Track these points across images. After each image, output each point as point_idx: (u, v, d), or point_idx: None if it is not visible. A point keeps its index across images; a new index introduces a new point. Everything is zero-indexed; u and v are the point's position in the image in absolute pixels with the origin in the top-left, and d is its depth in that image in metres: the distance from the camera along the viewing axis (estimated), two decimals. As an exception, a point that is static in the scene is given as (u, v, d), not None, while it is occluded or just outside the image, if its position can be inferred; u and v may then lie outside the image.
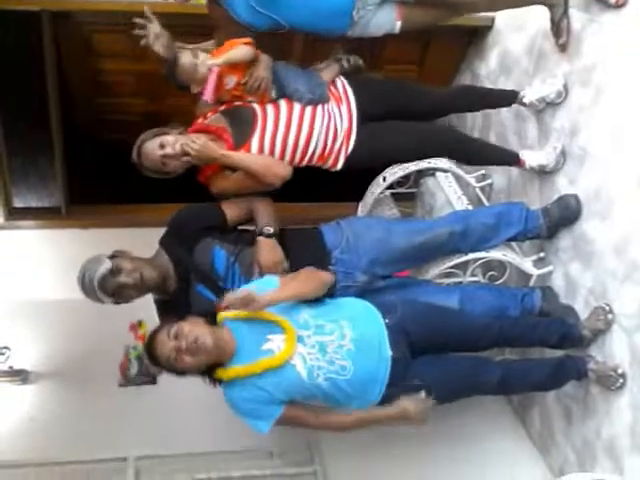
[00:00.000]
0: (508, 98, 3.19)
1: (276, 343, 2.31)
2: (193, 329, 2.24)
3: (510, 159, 3.18)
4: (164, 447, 2.95)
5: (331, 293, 2.57)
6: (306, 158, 2.85)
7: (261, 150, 2.75)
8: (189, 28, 3.21)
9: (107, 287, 2.37)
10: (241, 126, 2.74)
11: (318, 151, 2.85)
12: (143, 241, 2.64)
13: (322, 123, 2.82)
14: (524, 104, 3.12)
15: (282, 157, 2.80)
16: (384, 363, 2.39)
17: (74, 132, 3.90)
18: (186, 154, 2.57)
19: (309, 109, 2.81)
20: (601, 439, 2.73)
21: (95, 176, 3.98)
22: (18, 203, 3.93)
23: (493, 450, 3.14)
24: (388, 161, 3.31)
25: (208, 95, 2.67)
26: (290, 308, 2.38)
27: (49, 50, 3.49)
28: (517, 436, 3.29)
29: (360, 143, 2.89)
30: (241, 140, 2.73)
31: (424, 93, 3.11)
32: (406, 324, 2.50)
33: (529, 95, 3.08)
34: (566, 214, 2.88)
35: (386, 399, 2.41)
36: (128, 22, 2.77)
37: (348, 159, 2.90)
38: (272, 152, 2.77)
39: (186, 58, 2.69)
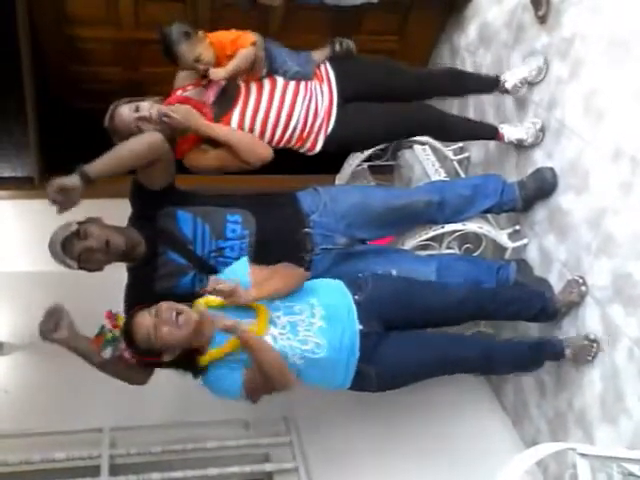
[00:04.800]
0: (491, 84, 3.14)
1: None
2: (173, 306, 2.22)
3: (490, 133, 3.16)
4: (139, 418, 2.95)
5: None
6: (286, 136, 2.81)
7: (241, 126, 2.72)
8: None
9: (72, 250, 2.31)
10: (223, 102, 2.71)
11: (298, 130, 2.81)
12: (117, 212, 2.59)
13: (304, 100, 2.79)
14: (506, 91, 3.08)
15: (262, 136, 2.77)
16: (354, 337, 2.38)
17: (48, 101, 3.83)
18: (165, 116, 2.53)
19: (292, 86, 2.79)
20: (573, 410, 2.76)
21: (69, 146, 3.91)
22: (-10, 173, 3.88)
23: (467, 421, 3.17)
24: (367, 144, 3.29)
25: (209, 100, 2.72)
26: None
27: (22, 15, 3.41)
28: (491, 408, 3.32)
29: (339, 125, 2.86)
30: (221, 114, 2.70)
31: (407, 78, 3.06)
32: (377, 300, 2.49)
33: (510, 79, 3.05)
34: (542, 187, 2.89)
35: (359, 374, 2.41)
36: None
37: (326, 141, 2.87)
38: (251, 130, 2.74)
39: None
